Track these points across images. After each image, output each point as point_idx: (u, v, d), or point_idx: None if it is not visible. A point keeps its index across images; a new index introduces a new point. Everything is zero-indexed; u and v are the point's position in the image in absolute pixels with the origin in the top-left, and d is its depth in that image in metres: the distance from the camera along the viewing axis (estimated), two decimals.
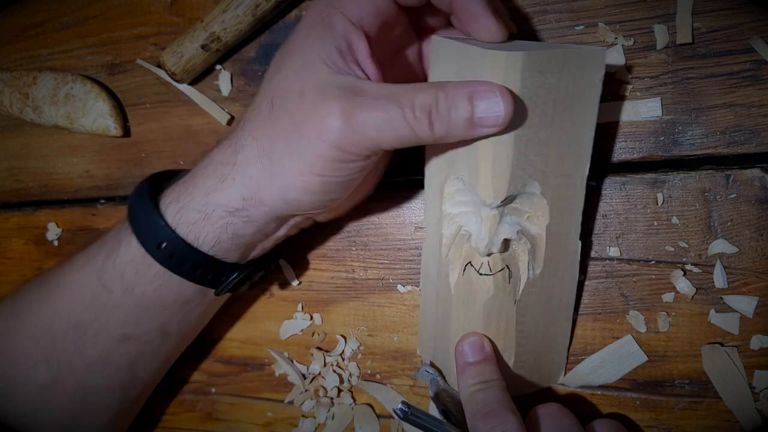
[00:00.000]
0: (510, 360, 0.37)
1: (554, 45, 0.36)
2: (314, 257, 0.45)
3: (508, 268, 0.34)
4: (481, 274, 0.34)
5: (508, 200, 0.33)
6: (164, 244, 0.34)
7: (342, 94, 0.30)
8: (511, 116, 0.29)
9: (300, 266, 0.45)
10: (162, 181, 0.38)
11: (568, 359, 0.40)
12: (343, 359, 0.45)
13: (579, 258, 0.37)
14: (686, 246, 0.38)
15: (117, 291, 0.36)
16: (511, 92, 0.29)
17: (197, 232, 0.34)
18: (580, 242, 0.36)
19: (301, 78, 0.31)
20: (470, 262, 0.35)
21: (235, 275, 0.36)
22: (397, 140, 0.30)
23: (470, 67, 0.31)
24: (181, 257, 0.34)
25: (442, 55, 0.34)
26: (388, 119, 0.29)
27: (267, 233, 0.36)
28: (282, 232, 0.37)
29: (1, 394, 0.38)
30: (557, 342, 0.38)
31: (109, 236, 0.38)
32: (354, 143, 0.30)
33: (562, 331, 0.38)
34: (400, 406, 0.33)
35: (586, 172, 0.34)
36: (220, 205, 0.34)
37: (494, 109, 0.29)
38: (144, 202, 0.35)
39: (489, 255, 0.34)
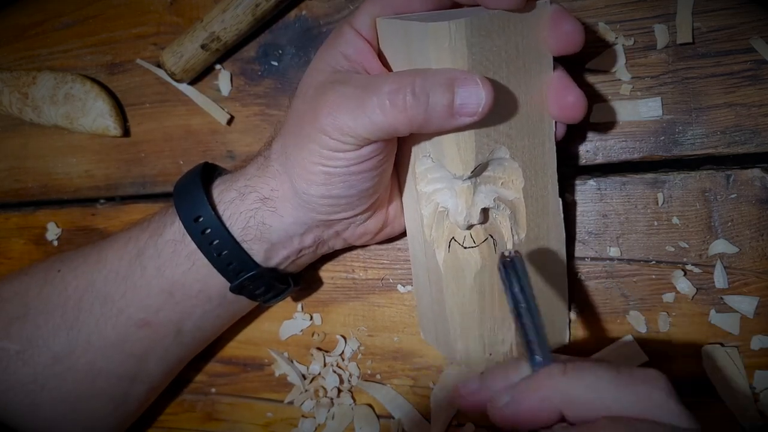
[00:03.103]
0: (510, 329, 0.37)
1: None
2: None
3: (492, 237, 0.34)
4: (465, 248, 0.34)
5: (478, 170, 0.33)
6: (201, 219, 0.36)
7: (333, 88, 0.32)
8: (492, 104, 0.29)
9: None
10: (214, 171, 0.40)
11: (570, 318, 0.40)
12: (343, 359, 0.45)
13: (562, 216, 0.36)
14: (687, 246, 0.38)
15: (150, 270, 0.38)
16: (490, 80, 0.29)
17: (231, 211, 0.36)
18: (560, 200, 0.36)
19: (309, 80, 0.34)
20: (453, 237, 0.35)
21: (253, 272, 0.37)
22: (373, 128, 0.30)
23: (416, 43, 0.31)
24: (212, 234, 0.36)
25: (388, 36, 0.34)
26: (361, 107, 0.30)
27: (292, 235, 0.37)
28: (308, 241, 0.38)
29: (16, 356, 0.40)
30: (555, 303, 0.38)
31: (155, 218, 0.40)
32: (338, 130, 0.31)
33: (557, 291, 0.38)
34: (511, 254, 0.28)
35: (553, 129, 0.34)
36: (254, 190, 0.36)
37: (474, 96, 0.29)
38: (193, 178, 0.38)
39: (470, 228, 0.34)
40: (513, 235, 0.35)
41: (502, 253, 0.28)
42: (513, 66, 0.31)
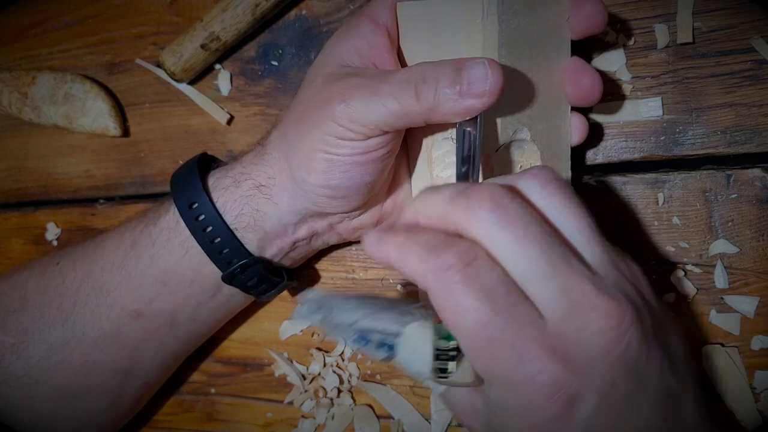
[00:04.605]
0: None
1: None
2: (314, 257, 0.45)
3: None
4: None
5: (501, 150, 0.33)
6: (195, 205, 0.36)
7: (344, 79, 0.32)
8: (501, 85, 0.29)
9: (300, 266, 0.45)
10: (212, 161, 0.41)
11: None
12: (343, 360, 0.45)
13: None
14: (687, 246, 0.38)
15: (144, 259, 0.38)
16: (499, 63, 0.29)
17: (226, 198, 0.37)
18: (572, 187, 0.36)
19: (317, 71, 0.34)
20: None
21: (245, 260, 0.37)
22: (386, 115, 0.31)
23: (444, 22, 0.31)
24: (205, 221, 0.36)
25: (410, 21, 0.34)
26: (375, 93, 0.30)
27: (285, 225, 0.37)
28: (302, 232, 0.38)
29: (11, 348, 0.40)
30: None
31: (152, 208, 0.40)
32: (348, 117, 0.31)
33: None
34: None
35: (569, 114, 0.35)
36: (250, 177, 0.36)
37: (481, 76, 0.29)
38: (190, 167, 0.38)
39: None
40: None
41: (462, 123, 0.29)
42: (535, 48, 0.32)
